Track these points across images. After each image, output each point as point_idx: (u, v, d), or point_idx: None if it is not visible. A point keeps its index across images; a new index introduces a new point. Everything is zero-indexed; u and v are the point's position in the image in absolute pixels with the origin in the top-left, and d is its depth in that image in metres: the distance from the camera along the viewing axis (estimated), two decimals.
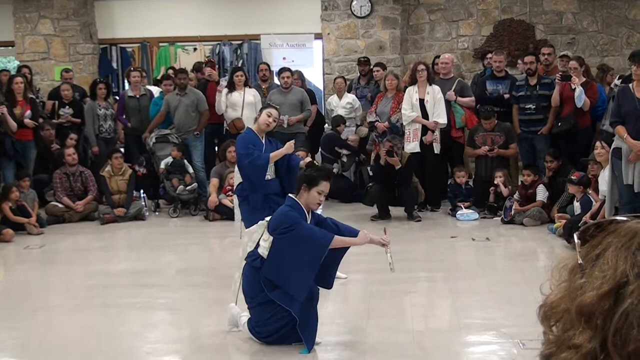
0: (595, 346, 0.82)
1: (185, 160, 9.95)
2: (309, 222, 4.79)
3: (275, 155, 6.00)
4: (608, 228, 0.89)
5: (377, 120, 9.85)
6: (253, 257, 4.76)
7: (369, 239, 4.83)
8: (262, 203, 5.84)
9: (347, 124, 10.62)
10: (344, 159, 10.51)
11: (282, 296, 4.65)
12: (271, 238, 4.68)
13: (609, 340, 0.80)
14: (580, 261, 0.88)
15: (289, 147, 6.14)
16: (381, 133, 9.75)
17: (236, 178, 6.20)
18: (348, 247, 4.91)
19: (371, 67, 11.28)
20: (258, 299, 4.72)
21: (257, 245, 4.77)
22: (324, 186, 4.78)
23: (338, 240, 4.70)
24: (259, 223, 4.90)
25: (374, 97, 10.37)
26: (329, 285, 4.95)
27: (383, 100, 9.94)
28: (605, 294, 0.82)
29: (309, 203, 4.79)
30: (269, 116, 6.09)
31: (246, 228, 5.85)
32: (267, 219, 4.83)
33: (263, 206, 5.77)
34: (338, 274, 6.34)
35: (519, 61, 10.80)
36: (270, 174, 6.06)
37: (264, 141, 6.11)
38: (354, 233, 4.91)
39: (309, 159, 6.82)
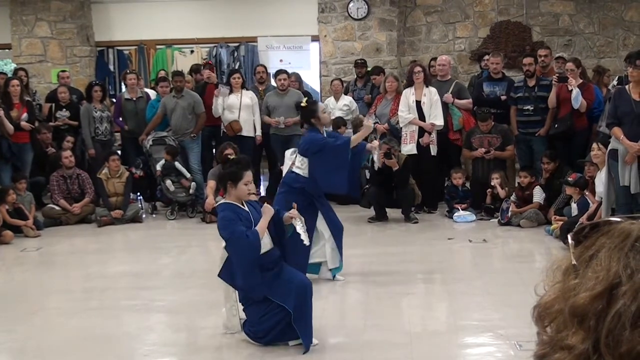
0: (588, 347, 0.82)
1: (177, 163, 9.91)
2: (248, 212, 4.77)
3: (355, 138, 6.41)
4: (602, 229, 0.90)
5: (377, 122, 9.85)
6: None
7: (271, 211, 4.80)
8: (306, 203, 5.88)
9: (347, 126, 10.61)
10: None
11: (276, 292, 4.67)
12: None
13: (602, 341, 0.81)
14: (574, 262, 0.89)
15: (368, 128, 6.50)
16: (380, 135, 9.76)
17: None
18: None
19: (368, 69, 11.29)
20: (251, 298, 4.75)
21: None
22: (248, 176, 4.79)
23: (260, 229, 4.67)
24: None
25: (373, 100, 10.38)
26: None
27: (383, 102, 9.95)
28: (598, 295, 0.82)
29: (240, 196, 4.79)
30: (324, 112, 6.45)
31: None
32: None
33: (304, 207, 5.52)
34: (337, 276, 6.37)
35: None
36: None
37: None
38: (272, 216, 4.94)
39: None
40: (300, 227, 4.85)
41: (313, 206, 6.15)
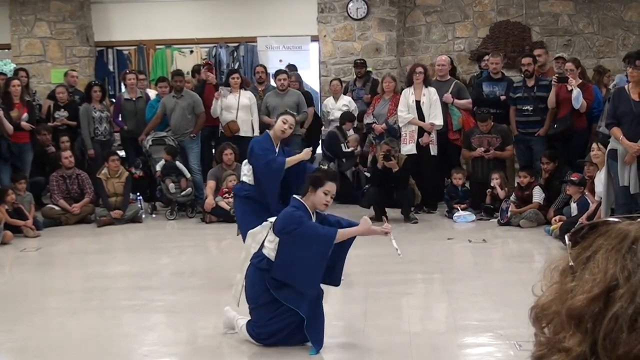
0: (585, 350, 0.82)
1: (178, 163, 9.92)
2: (313, 219, 4.78)
3: (291, 160, 6.02)
4: (599, 230, 0.90)
5: (375, 122, 9.85)
6: (258, 258, 4.76)
7: (370, 226, 4.78)
8: (260, 209, 5.78)
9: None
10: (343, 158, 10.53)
11: (289, 296, 4.64)
12: (277, 239, 4.69)
13: (599, 343, 0.81)
14: (571, 263, 0.89)
15: (306, 153, 6.17)
16: (378, 135, 9.76)
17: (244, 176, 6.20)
18: (352, 242, 4.88)
19: (367, 69, 11.29)
20: (261, 299, 4.72)
21: (262, 246, 4.78)
22: (330, 186, 4.76)
23: (341, 233, 4.69)
24: (262, 224, 4.89)
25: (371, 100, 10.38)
26: (336, 282, 4.94)
27: (380, 102, 9.95)
28: (595, 298, 0.82)
29: (315, 204, 4.77)
30: (284, 123, 6.06)
31: (240, 229, 5.87)
32: (271, 219, 4.83)
33: (259, 213, 5.65)
34: None
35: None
36: None
37: (277, 149, 6.09)
38: (355, 225, 4.91)
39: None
40: (394, 243, 4.81)
41: (269, 212, 5.99)
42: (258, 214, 5.50)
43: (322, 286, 4.84)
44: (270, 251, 4.71)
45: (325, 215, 4.95)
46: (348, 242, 4.86)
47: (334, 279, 4.90)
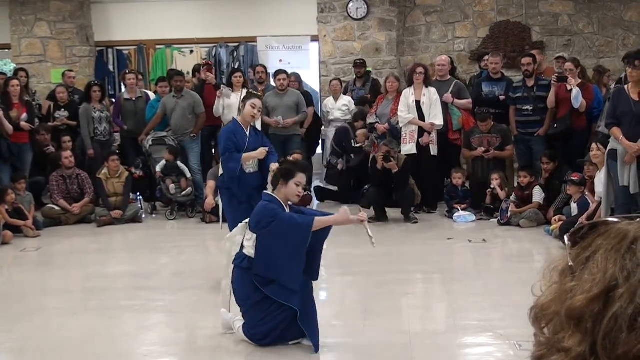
0: (585, 350, 0.82)
1: (179, 163, 9.92)
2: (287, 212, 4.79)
3: (247, 156, 6.13)
4: (599, 230, 0.89)
5: (377, 122, 9.85)
6: (240, 258, 4.77)
7: (349, 216, 4.78)
8: (243, 194, 6.01)
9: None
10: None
11: (279, 291, 4.64)
12: (254, 236, 4.69)
13: (599, 343, 0.81)
14: (570, 263, 0.89)
15: (260, 152, 6.20)
16: (381, 135, 9.75)
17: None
18: (328, 234, 4.86)
19: (367, 69, 11.28)
20: (251, 299, 4.72)
21: (242, 247, 4.78)
22: (301, 177, 4.81)
23: (319, 221, 4.69)
24: (238, 225, 4.92)
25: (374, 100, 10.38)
26: (314, 277, 4.89)
27: (384, 102, 9.95)
28: (594, 298, 0.82)
29: (288, 196, 4.80)
30: (253, 107, 6.17)
31: (227, 220, 6.03)
32: (246, 220, 4.84)
33: (243, 198, 5.96)
34: None
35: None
36: (252, 167, 6.22)
37: (248, 132, 6.20)
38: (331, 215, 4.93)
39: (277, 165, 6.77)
40: (369, 231, 4.81)
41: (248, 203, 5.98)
42: (242, 200, 5.83)
43: (315, 284, 4.85)
44: (249, 249, 4.71)
45: (298, 208, 4.97)
46: (324, 234, 4.83)
47: (312, 273, 4.87)
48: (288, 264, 4.63)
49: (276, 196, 4.79)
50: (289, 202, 4.85)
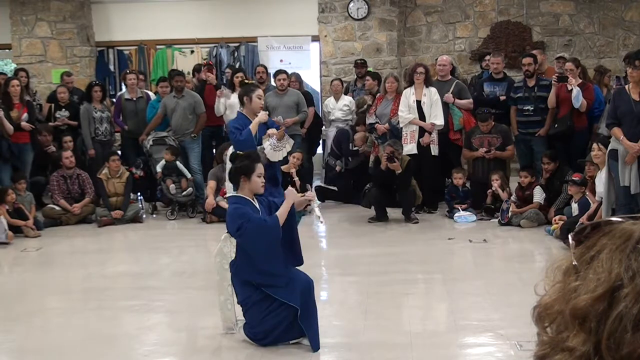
0: (589, 349, 0.81)
1: (179, 163, 9.92)
2: (258, 209, 4.80)
3: (254, 125, 6.66)
4: (603, 229, 0.89)
5: (377, 122, 9.84)
6: (234, 267, 4.82)
7: (296, 195, 4.87)
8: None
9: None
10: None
11: (280, 290, 4.65)
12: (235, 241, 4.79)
13: (603, 343, 0.80)
14: (574, 262, 0.88)
15: (262, 116, 6.77)
16: (381, 135, 9.75)
17: (228, 187, 6.32)
18: (294, 215, 4.86)
19: (368, 69, 11.27)
20: (251, 299, 4.72)
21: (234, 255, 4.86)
22: (260, 167, 4.86)
23: (280, 215, 4.71)
24: (222, 237, 5.00)
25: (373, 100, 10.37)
26: (299, 262, 4.92)
27: (383, 102, 9.94)
28: (599, 297, 0.82)
29: (253, 189, 4.82)
30: (259, 98, 6.82)
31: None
32: (226, 231, 4.90)
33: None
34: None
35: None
36: (272, 146, 6.67)
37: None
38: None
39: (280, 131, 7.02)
40: (317, 210, 4.85)
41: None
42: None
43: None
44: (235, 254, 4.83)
45: (262, 200, 4.94)
46: (292, 221, 4.85)
47: (297, 259, 4.90)
48: (268, 262, 4.68)
49: (241, 195, 4.81)
50: (255, 195, 4.88)
